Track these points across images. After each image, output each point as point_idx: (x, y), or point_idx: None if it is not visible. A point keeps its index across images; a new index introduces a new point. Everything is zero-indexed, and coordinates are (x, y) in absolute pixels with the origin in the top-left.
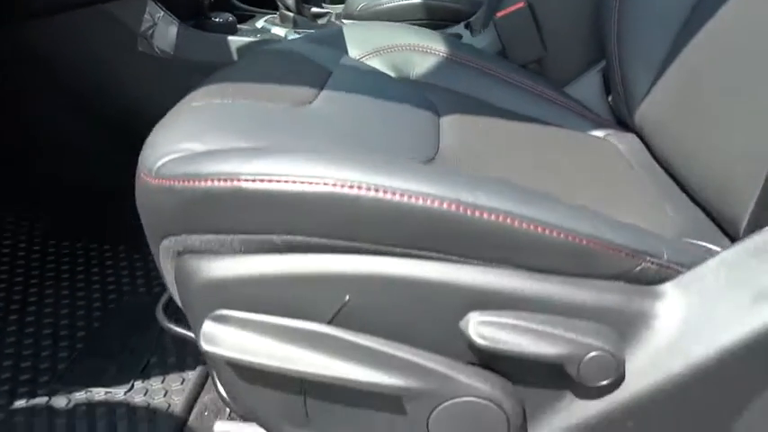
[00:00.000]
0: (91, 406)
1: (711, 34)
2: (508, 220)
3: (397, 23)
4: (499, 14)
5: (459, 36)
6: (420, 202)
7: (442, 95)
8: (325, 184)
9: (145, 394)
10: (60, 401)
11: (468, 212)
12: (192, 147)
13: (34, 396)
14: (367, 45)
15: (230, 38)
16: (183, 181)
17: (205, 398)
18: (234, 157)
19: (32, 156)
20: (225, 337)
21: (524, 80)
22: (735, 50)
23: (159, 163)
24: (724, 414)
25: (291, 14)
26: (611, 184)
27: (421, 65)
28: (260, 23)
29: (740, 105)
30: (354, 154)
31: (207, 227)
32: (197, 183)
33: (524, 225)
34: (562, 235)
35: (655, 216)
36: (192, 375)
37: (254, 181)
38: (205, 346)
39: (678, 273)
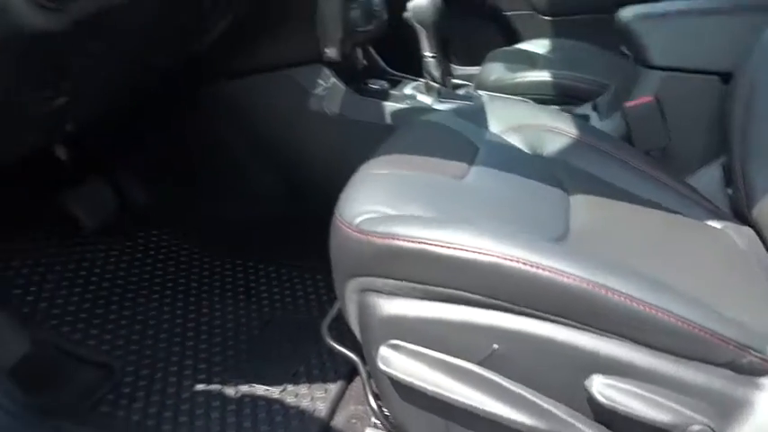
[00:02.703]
0: (254, 399)
1: None
2: (634, 304)
3: (533, 103)
4: (628, 105)
5: (587, 117)
6: (564, 279)
7: (570, 174)
8: (491, 255)
9: (295, 397)
10: (230, 391)
11: (601, 292)
12: (384, 210)
13: (210, 383)
14: (506, 122)
15: (384, 103)
16: (382, 238)
17: (351, 408)
18: (421, 223)
19: (222, 196)
20: (397, 362)
21: (647, 167)
22: None
23: (359, 219)
24: None
25: (437, 85)
26: (725, 274)
27: (552, 143)
28: (408, 90)
29: None
30: (515, 232)
31: (391, 274)
32: (392, 240)
33: (647, 309)
34: (679, 322)
35: (763, 310)
36: (333, 387)
37: (436, 246)
38: (381, 366)
39: None
